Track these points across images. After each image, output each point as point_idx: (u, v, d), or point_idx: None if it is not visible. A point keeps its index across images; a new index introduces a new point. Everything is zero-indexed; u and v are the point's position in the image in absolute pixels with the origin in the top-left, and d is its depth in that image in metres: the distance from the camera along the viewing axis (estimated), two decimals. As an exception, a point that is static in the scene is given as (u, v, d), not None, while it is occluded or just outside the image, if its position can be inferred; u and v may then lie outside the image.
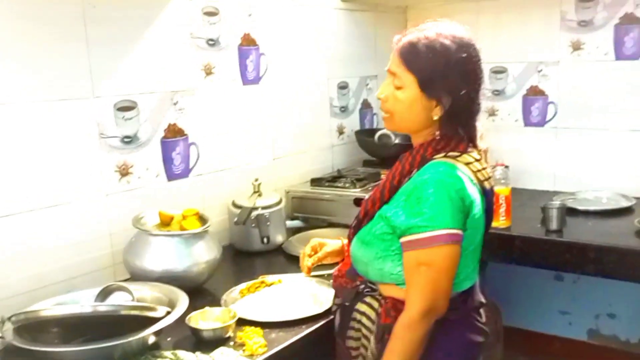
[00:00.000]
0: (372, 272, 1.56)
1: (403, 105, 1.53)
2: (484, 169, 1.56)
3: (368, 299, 1.58)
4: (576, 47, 2.92)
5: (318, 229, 2.52)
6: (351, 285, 1.62)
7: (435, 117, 1.51)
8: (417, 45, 1.49)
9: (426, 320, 1.44)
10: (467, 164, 1.51)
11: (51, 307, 1.62)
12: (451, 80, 1.48)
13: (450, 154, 1.51)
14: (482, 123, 1.59)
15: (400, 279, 1.50)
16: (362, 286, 1.60)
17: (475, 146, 1.58)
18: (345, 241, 1.74)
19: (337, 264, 1.79)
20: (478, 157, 1.56)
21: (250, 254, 2.35)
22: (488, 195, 1.56)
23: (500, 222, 2.46)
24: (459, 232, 1.44)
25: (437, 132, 1.53)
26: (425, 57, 1.48)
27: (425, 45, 1.48)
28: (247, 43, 2.52)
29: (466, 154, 1.53)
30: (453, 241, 1.43)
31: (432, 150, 1.52)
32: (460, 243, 1.45)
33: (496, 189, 2.44)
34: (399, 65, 1.52)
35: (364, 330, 1.57)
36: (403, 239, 1.46)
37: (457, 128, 1.53)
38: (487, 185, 1.56)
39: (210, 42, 2.37)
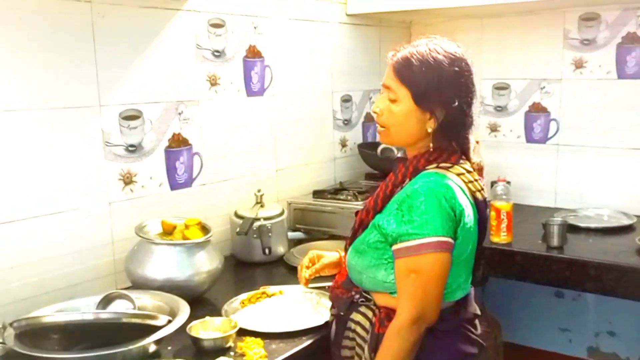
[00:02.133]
0: (366, 281, 1.58)
1: (398, 118, 1.56)
2: (476, 180, 1.59)
3: (363, 309, 1.59)
4: (579, 65, 2.94)
5: (319, 240, 2.53)
6: (346, 295, 1.63)
7: (429, 130, 1.55)
8: (411, 59, 1.53)
9: (416, 327, 1.46)
10: (459, 174, 1.55)
11: (53, 314, 1.62)
12: (444, 94, 1.52)
13: (442, 164, 1.55)
14: (474, 136, 1.63)
15: (393, 287, 1.51)
16: (357, 296, 1.61)
17: (468, 158, 1.61)
18: (343, 253, 1.76)
19: (335, 275, 1.80)
20: (470, 169, 1.59)
21: (251, 264, 2.35)
22: (480, 206, 1.58)
23: (501, 237, 2.46)
24: (449, 240, 1.46)
25: (431, 145, 1.56)
26: (419, 71, 1.52)
27: (418, 60, 1.52)
28: (253, 55, 2.55)
29: (458, 165, 1.56)
30: (443, 249, 1.45)
31: (424, 161, 1.56)
32: (451, 251, 1.47)
33: (498, 204, 2.46)
34: (393, 79, 1.56)
35: (359, 340, 1.58)
36: (394, 247, 1.49)
37: (450, 140, 1.58)
38: (479, 196, 1.58)
39: (216, 54, 2.39)
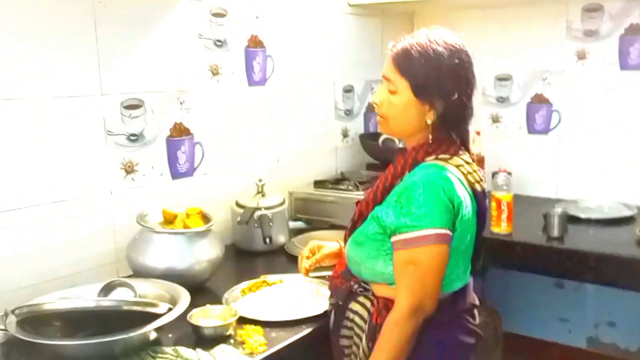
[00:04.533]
0: (365, 272, 1.59)
1: (397, 110, 1.56)
2: (475, 171, 1.59)
3: (361, 299, 1.60)
4: (581, 56, 2.94)
5: (320, 230, 2.54)
6: (345, 285, 1.64)
7: (429, 121, 1.55)
8: (411, 51, 1.52)
9: (413, 318, 1.47)
10: (458, 166, 1.55)
11: (54, 301, 1.63)
12: (444, 85, 1.52)
13: (441, 156, 1.55)
14: (474, 127, 1.62)
15: (392, 278, 1.52)
16: (356, 286, 1.62)
17: (467, 150, 1.62)
18: (343, 244, 1.77)
19: (335, 265, 1.81)
20: (469, 160, 1.59)
21: (252, 253, 2.36)
22: (479, 198, 1.58)
23: (501, 228, 2.47)
24: (448, 232, 1.46)
25: (430, 136, 1.56)
26: (419, 62, 1.51)
27: (418, 52, 1.52)
28: (254, 45, 2.54)
29: (457, 156, 1.57)
30: (441, 241, 1.45)
31: (423, 153, 1.56)
32: (449, 243, 1.47)
33: (498, 194, 2.46)
34: (393, 71, 1.55)
35: (357, 329, 1.59)
36: (393, 238, 1.49)
37: (450, 132, 1.58)
38: (478, 187, 1.58)
39: (218, 43, 2.39)
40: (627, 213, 2.70)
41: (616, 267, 2.25)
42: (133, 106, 2.10)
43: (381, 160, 3.04)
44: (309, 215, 2.64)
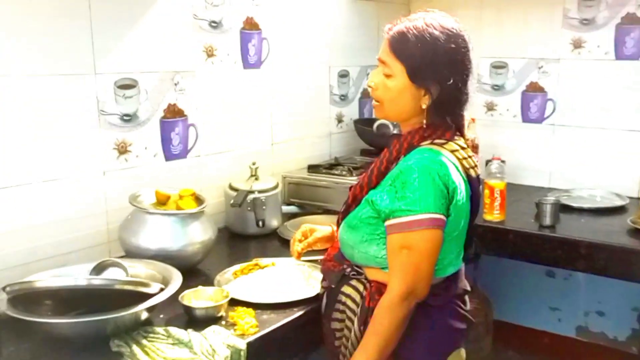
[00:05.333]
0: (358, 256, 1.59)
1: (392, 94, 1.56)
2: (469, 157, 1.59)
3: (354, 282, 1.60)
4: (577, 45, 2.93)
5: (313, 215, 2.53)
6: (338, 269, 1.64)
7: (424, 106, 1.54)
8: (407, 35, 1.51)
9: (406, 303, 1.47)
10: (453, 151, 1.55)
11: (46, 279, 1.62)
12: (440, 70, 1.51)
13: (437, 141, 1.55)
14: (469, 114, 1.61)
15: (385, 262, 1.52)
16: (349, 269, 1.62)
17: (462, 135, 1.61)
18: (336, 227, 1.77)
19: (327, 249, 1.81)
20: (464, 145, 1.59)
21: (245, 236, 2.36)
22: (473, 183, 1.59)
23: (494, 215, 2.48)
24: (442, 217, 1.46)
25: (425, 121, 1.56)
26: (415, 46, 1.50)
27: (414, 35, 1.50)
28: (250, 27, 2.53)
29: (452, 141, 1.56)
30: (435, 225, 1.45)
31: (419, 137, 1.56)
32: (443, 228, 1.47)
33: (492, 182, 2.46)
34: (388, 54, 1.54)
35: (348, 313, 1.59)
36: (387, 222, 1.49)
37: (445, 117, 1.57)
38: (472, 173, 1.58)
39: (213, 24, 2.37)
40: (618, 203, 2.72)
41: (607, 256, 2.27)
42: (127, 86, 2.08)
43: (375, 146, 3.03)
44: (302, 199, 2.64)
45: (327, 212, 2.54)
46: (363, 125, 3.08)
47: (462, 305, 1.64)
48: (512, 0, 3.07)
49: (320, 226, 1.87)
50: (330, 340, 1.64)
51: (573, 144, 3.01)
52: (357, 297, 1.58)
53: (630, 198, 2.76)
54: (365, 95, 3.25)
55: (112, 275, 1.70)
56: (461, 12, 3.11)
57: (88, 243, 2.03)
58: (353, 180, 2.52)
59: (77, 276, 1.64)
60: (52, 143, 1.90)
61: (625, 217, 2.49)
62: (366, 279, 1.58)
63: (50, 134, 1.89)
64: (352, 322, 1.58)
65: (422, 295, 1.50)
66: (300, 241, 1.84)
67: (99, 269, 1.72)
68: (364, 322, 1.53)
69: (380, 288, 1.53)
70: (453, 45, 1.52)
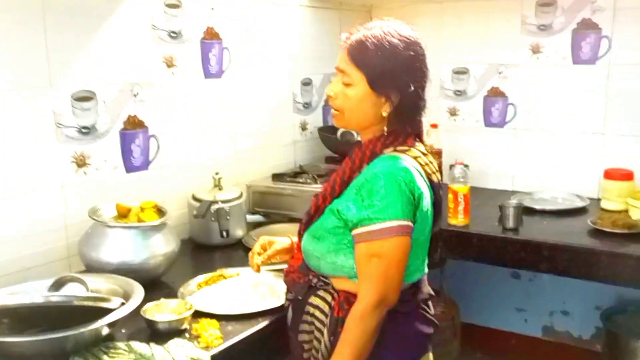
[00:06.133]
0: (325, 266, 1.57)
1: (352, 102, 1.56)
2: (431, 162, 1.60)
3: (321, 293, 1.58)
4: (535, 50, 2.98)
5: (279, 224, 2.52)
6: (303, 280, 1.63)
7: (385, 114, 1.54)
8: (366, 43, 1.51)
9: (378, 311, 1.47)
10: (416, 157, 1.55)
11: (2, 297, 1.58)
12: (400, 77, 1.51)
13: (399, 148, 1.55)
14: (427, 119, 1.63)
15: (353, 272, 1.51)
16: (315, 280, 1.60)
17: (422, 141, 1.62)
18: (295, 238, 1.75)
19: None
20: (425, 151, 1.60)
21: (209, 247, 2.34)
22: (436, 189, 1.59)
23: (458, 220, 2.49)
24: (410, 223, 1.47)
25: (385, 128, 1.56)
26: (374, 55, 1.50)
27: (373, 44, 1.50)
28: (210, 37, 2.51)
29: (414, 147, 1.57)
30: (403, 232, 1.46)
31: (381, 145, 1.56)
32: (411, 234, 1.48)
33: (455, 187, 2.48)
34: (348, 63, 1.54)
35: (317, 324, 1.57)
36: (354, 231, 1.48)
37: (405, 124, 1.57)
38: (434, 178, 1.59)
39: (172, 35, 2.35)
40: (579, 204, 2.77)
41: (569, 257, 2.31)
42: (84, 98, 2.05)
43: (340, 154, 3.04)
44: (267, 208, 2.63)
45: (292, 220, 2.52)
46: (327, 132, 3.08)
47: (428, 310, 1.64)
48: (472, 6, 3.11)
49: (279, 238, 1.85)
50: (299, 352, 1.62)
51: (534, 147, 3.05)
52: (326, 308, 1.56)
53: (591, 199, 2.81)
54: (329, 103, 3.24)
55: (71, 290, 1.66)
56: (422, 18, 3.18)
57: (48, 258, 1.99)
58: (318, 187, 2.52)
59: (35, 293, 1.60)
60: (8, 158, 1.86)
61: (585, 218, 2.54)
62: (333, 288, 1.57)
63: (5, 149, 1.85)
64: (322, 333, 1.56)
65: (393, 303, 1.49)
66: (259, 254, 1.81)
67: (57, 285, 1.68)
68: (334, 333, 1.52)
69: (348, 297, 1.52)
70: (412, 53, 1.52)
